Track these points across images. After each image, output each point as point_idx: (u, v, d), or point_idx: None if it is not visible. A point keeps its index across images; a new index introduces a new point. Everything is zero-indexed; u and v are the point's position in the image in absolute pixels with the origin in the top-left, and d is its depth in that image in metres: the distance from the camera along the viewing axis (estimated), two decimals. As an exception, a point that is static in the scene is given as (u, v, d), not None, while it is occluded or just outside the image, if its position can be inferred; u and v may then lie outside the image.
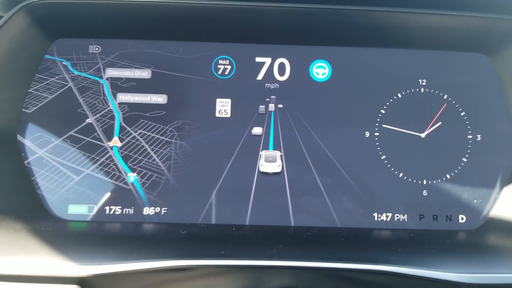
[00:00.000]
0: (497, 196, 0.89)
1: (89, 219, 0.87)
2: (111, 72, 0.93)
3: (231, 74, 0.93)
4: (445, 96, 0.92)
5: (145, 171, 0.89)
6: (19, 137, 0.88)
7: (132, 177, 0.89)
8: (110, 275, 0.65)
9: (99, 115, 0.91)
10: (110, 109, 0.91)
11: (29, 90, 0.90)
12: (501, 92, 0.92)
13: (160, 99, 0.92)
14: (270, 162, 0.90)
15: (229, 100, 0.92)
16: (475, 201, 0.89)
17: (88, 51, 0.93)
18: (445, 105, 0.92)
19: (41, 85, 0.91)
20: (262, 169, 0.90)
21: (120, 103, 0.92)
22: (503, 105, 0.91)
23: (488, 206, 0.89)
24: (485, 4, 0.83)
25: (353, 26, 0.89)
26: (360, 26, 0.89)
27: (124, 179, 0.89)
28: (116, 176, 0.89)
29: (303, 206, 0.88)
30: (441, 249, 0.77)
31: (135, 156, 0.90)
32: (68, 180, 0.88)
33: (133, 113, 0.91)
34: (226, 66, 0.94)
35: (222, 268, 0.68)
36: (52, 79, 0.91)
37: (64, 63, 0.92)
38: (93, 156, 0.89)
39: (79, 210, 0.87)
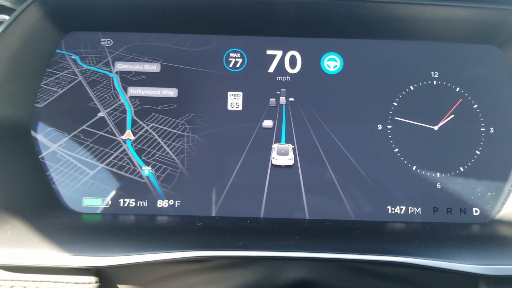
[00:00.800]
0: (510, 188, 0.89)
1: (104, 211, 0.88)
2: (121, 66, 0.93)
3: (243, 67, 0.94)
4: (458, 89, 0.93)
5: (159, 164, 0.90)
6: (32, 132, 0.89)
7: (146, 170, 0.89)
8: (128, 266, 0.66)
9: (110, 109, 0.91)
10: (121, 102, 0.92)
11: (41, 85, 0.90)
12: (513, 84, 0.92)
13: (170, 92, 0.92)
14: (282, 155, 0.91)
15: (240, 93, 0.93)
16: (489, 194, 0.90)
17: (98, 44, 0.94)
18: (460, 100, 0.92)
19: (50, 79, 0.91)
20: (274, 162, 0.90)
21: (131, 97, 0.92)
22: (516, 97, 0.92)
23: (501, 198, 0.89)
24: (498, -5, 0.83)
25: (364, 18, 0.89)
26: (372, 18, 0.89)
27: (139, 172, 0.89)
28: (131, 169, 0.89)
29: (317, 200, 0.89)
30: (458, 241, 0.77)
31: (149, 149, 0.90)
32: (83, 175, 0.88)
33: (144, 106, 0.92)
34: (237, 59, 0.94)
35: (239, 259, 0.68)
36: (61, 73, 0.92)
37: (72, 57, 0.93)
38: (106, 150, 0.90)
39: (94, 203, 0.88)
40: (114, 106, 0.91)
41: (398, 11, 0.87)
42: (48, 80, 0.91)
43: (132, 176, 0.89)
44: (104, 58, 0.93)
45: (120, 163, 0.89)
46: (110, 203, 0.88)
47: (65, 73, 0.92)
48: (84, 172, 0.88)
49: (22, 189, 0.82)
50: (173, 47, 0.94)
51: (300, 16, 0.90)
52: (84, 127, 0.90)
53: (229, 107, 0.93)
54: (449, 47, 0.94)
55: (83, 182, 0.88)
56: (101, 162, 0.89)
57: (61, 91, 0.91)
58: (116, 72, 0.93)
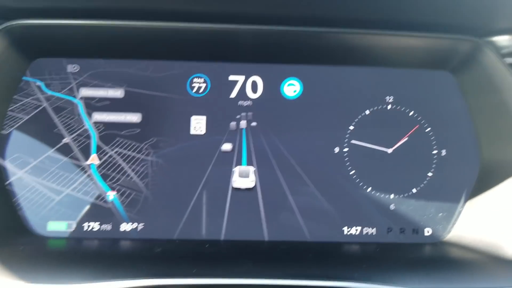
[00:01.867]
0: (461, 209, 0.95)
1: (68, 235, 0.92)
2: (85, 92, 0.97)
3: (206, 92, 0.98)
4: (412, 113, 0.98)
5: (124, 189, 0.93)
6: (-3, 159, 0.92)
7: (111, 195, 0.93)
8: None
9: (75, 134, 0.95)
10: (86, 128, 0.95)
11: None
12: (465, 109, 0.98)
13: (134, 117, 0.96)
14: (243, 177, 0.95)
15: (204, 117, 0.97)
16: (440, 214, 0.95)
17: (63, 71, 0.97)
18: (417, 126, 0.97)
19: (16, 105, 0.94)
20: (234, 184, 0.95)
21: (95, 122, 0.96)
22: (467, 121, 0.97)
23: (452, 219, 0.95)
24: (449, 25, 0.88)
25: (323, 46, 0.94)
26: (330, 46, 0.94)
27: (103, 198, 0.93)
28: (96, 195, 0.93)
29: (275, 221, 0.93)
30: (406, 263, 0.83)
31: (113, 174, 0.94)
32: (48, 201, 0.92)
33: (108, 131, 0.96)
34: (201, 84, 0.98)
35: (192, 287, 0.72)
36: (26, 100, 0.95)
37: (37, 83, 0.96)
38: (72, 175, 0.93)
39: (58, 227, 0.92)
40: (78, 132, 0.95)
41: (354, 40, 0.92)
42: (13, 107, 0.94)
43: (97, 202, 0.93)
44: (68, 84, 0.96)
45: (85, 188, 0.93)
46: (74, 226, 0.92)
47: (30, 99, 0.95)
48: (49, 198, 0.92)
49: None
50: (136, 72, 0.98)
51: (260, 43, 0.94)
52: (49, 153, 0.93)
53: (192, 131, 0.96)
54: (403, 73, 0.99)
55: (49, 208, 0.92)
56: (67, 188, 0.92)
57: (26, 118, 0.94)
58: (81, 98, 0.96)
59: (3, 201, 0.90)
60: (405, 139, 0.97)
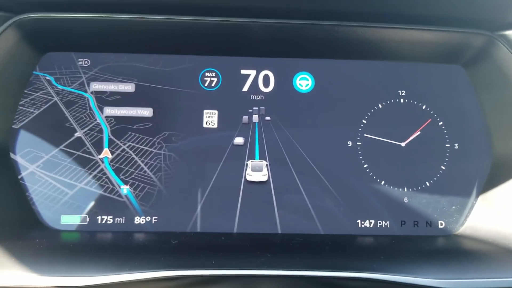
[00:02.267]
0: (474, 202, 0.96)
1: (82, 228, 0.92)
2: (96, 86, 0.97)
3: (218, 86, 0.98)
4: (424, 107, 0.99)
5: (137, 183, 0.93)
6: (10, 153, 0.92)
7: (125, 189, 0.93)
8: (103, 286, 0.69)
9: (87, 129, 0.95)
10: (98, 122, 0.95)
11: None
12: (477, 102, 0.98)
13: (146, 112, 0.96)
14: (256, 171, 0.95)
15: (215, 111, 0.97)
16: (453, 207, 0.96)
17: (73, 65, 0.97)
18: (429, 120, 0.98)
19: (26, 100, 0.94)
20: (249, 178, 0.95)
21: (106, 117, 0.96)
22: (479, 114, 0.98)
23: (465, 212, 0.96)
24: (461, 20, 0.89)
25: (335, 40, 0.94)
26: (342, 40, 0.94)
27: (117, 191, 0.93)
28: (110, 189, 0.93)
29: (288, 215, 0.94)
30: (422, 255, 0.83)
31: (126, 168, 0.94)
32: (62, 195, 0.92)
33: (120, 126, 0.96)
34: (212, 78, 0.98)
35: (212, 277, 0.72)
36: (37, 94, 0.95)
37: (47, 77, 0.96)
38: (85, 170, 0.93)
39: (72, 220, 0.92)
40: (90, 126, 0.95)
41: (366, 34, 0.93)
42: (24, 101, 0.94)
43: (111, 195, 0.93)
44: (78, 78, 0.97)
45: (99, 182, 0.93)
46: (88, 220, 0.92)
47: (40, 94, 0.95)
48: (63, 192, 0.92)
49: (1, 209, 0.85)
50: (147, 67, 0.98)
51: (272, 38, 0.94)
52: (61, 147, 0.93)
53: (204, 125, 0.97)
54: (415, 67, 1.00)
55: (62, 202, 0.92)
56: (80, 182, 0.92)
57: (37, 112, 0.94)
58: (92, 92, 0.96)
59: (16, 195, 0.90)
60: (418, 132, 0.97)
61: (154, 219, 0.93)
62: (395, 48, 0.97)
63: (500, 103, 0.95)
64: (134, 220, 0.93)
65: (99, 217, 0.92)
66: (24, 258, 0.75)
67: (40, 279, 0.70)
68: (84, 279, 0.70)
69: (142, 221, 0.93)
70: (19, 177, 0.91)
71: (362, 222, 0.95)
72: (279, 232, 0.93)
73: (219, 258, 0.77)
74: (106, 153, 0.94)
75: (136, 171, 0.94)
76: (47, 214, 0.91)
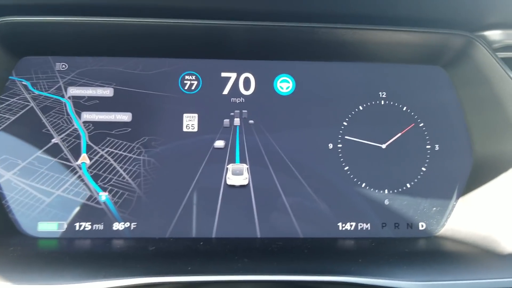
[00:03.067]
0: (454, 203, 0.97)
1: (59, 236, 0.91)
2: (73, 91, 0.97)
3: (198, 89, 0.98)
4: (405, 108, 0.99)
5: (116, 189, 0.93)
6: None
7: (103, 196, 0.93)
8: (78, 294, 0.69)
9: (64, 134, 0.94)
10: (75, 128, 0.95)
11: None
12: (457, 103, 1.00)
13: (124, 117, 0.96)
14: (237, 175, 0.95)
15: (196, 115, 0.98)
16: (434, 209, 0.97)
17: (50, 70, 0.97)
18: (412, 124, 0.99)
19: (2, 105, 0.94)
20: (229, 182, 0.95)
21: (84, 122, 0.96)
22: (459, 115, 0.99)
23: (446, 213, 0.97)
24: (441, 21, 0.90)
25: (315, 42, 0.95)
26: (322, 42, 0.95)
27: (95, 198, 0.93)
28: (88, 196, 0.93)
29: (268, 218, 0.94)
30: (401, 257, 0.84)
31: (105, 174, 0.94)
32: (39, 203, 0.91)
33: (98, 131, 0.96)
34: (192, 82, 0.99)
35: (189, 284, 0.72)
36: (13, 99, 0.94)
37: (23, 82, 0.96)
38: (62, 176, 0.93)
39: (49, 227, 0.91)
40: (68, 132, 0.95)
41: (345, 36, 0.93)
42: (-1, 107, 0.93)
43: (89, 203, 0.93)
44: (56, 83, 0.96)
45: (76, 189, 0.93)
46: (65, 227, 0.92)
47: (16, 99, 0.94)
48: (40, 200, 0.92)
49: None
50: (126, 70, 0.98)
51: (252, 40, 0.95)
52: (38, 154, 0.93)
53: (184, 129, 0.97)
54: (396, 68, 1.01)
55: (39, 209, 0.91)
56: (57, 189, 0.92)
57: (13, 118, 0.94)
58: (69, 97, 0.96)
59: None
60: (398, 134, 0.98)
61: (133, 225, 0.93)
62: (375, 50, 0.97)
63: (480, 104, 0.96)
64: (112, 226, 0.93)
65: (76, 224, 0.92)
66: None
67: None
68: (59, 287, 0.70)
69: (121, 227, 0.93)
70: (-5, 185, 0.91)
71: (343, 225, 0.95)
72: (259, 236, 0.94)
73: (196, 263, 0.77)
74: (84, 158, 0.94)
75: (115, 178, 0.94)
76: (23, 222, 0.91)
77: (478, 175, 0.96)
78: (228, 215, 0.94)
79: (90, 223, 0.92)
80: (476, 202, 0.95)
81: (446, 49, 0.96)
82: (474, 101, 0.98)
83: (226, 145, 0.97)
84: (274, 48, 0.97)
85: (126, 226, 0.93)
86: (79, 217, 0.92)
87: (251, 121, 0.98)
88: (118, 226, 0.93)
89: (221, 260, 0.80)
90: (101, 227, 0.92)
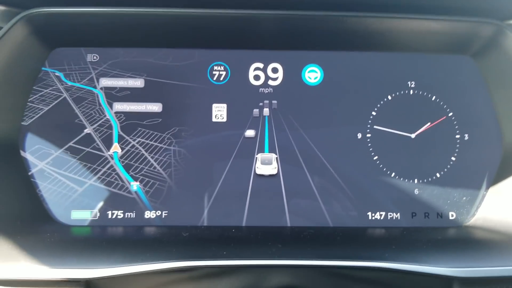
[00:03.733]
0: (484, 193, 0.97)
1: (92, 223, 0.94)
2: (105, 82, 0.99)
3: (226, 80, 1.00)
4: (434, 98, 1.00)
5: (147, 179, 0.95)
6: (20, 150, 0.94)
7: (135, 185, 0.95)
8: (117, 277, 0.71)
9: (96, 125, 0.96)
10: (107, 118, 0.97)
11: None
12: (486, 93, 1.00)
13: (155, 107, 0.98)
14: (266, 164, 0.96)
15: (225, 105, 0.99)
16: (464, 198, 0.97)
17: (82, 61, 0.99)
18: (444, 117, 0.99)
19: (35, 96, 0.96)
20: (258, 171, 0.96)
21: (116, 112, 0.98)
22: (489, 105, 0.99)
23: (476, 203, 0.97)
24: (470, 8, 0.90)
25: (343, 31, 0.96)
26: (350, 31, 0.96)
27: (127, 188, 0.95)
28: (119, 185, 0.95)
29: (298, 208, 0.95)
30: (434, 245, 0.84)
31: (136, 164, 0.96)
32: (71, 192, 0.94)
33: (130, 121, 0.97)
34: (221, 72, 1.00)
35: (224, 268, 0.74)
36: (46, 90, 0.97)
37: (56, 74, 0.98)
38: (94, 166, 0.95)
39: (82, 215, 0.94)
40: (100, 122, 0.96)
41: (373, 25, 0.94)
42: (33, 98, 0.96)
43: (121, 192, 0.94)
44: (88, 74, 0.98)
45: (108, 179, 0.95)
46: (98, 215, 0.94)
47: (50, 90, 0.97)
48: (73, 189, 0.94)
49: (11, 205, 0.88)
50: (156, 62, 0.99)
51: (280, 30, 0.96)
52: (70, 144, 0.95)
53: (213, 119, 0.98)
54: (424, 58, 1.01)
55: (72, 199, 0.94)
56: (89, 179, 0.94)
57: (46, 108, 0.96)
58: (101, 88, 0.98)
59: (26, 191, 0.92)
60: (429, 125, 0.98)
61: (165, 213, 0.94)
62: (403, 39, 0.98)
63: (510, 94, 0.96)
64: (144, 214, 0.94)
65: (109, 212, 0.94)
66: (35, 252, 0.77)
67: (51, 271, 0.72)
68: (96, 271, 0.72)
69: (153, 215, 0.94)
70: (29, 173, 0.93)
71: (373, 215, 0.96)
72: (289, 225, 0.94)
73: (231, 249, 0.79)
74: (116, 148, 0.96)
75: (146, 167, 0.95)
76: (57, 210, 0.93)
77: (507, 165, 0.97)
78: (258, 204, 0.95)
79: (122, 211, 0.94)
80: (506, 192, 0.95)
81: (475, 38, 0.96)
82: (503, 91, 0.98)
83: (256, 134, 0.98)
84: (302, 38, 0.98)
85: (158, 214, 0.94)
86: (111, 206, 0.94)
87: (275, 111, 0.99)
88: (149, 214, 0.94)
89: (255, 246, 0.82)
90: (133, 215, 0.94)
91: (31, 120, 0.95)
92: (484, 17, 0.92)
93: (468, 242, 0.89)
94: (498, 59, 0.96)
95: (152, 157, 0.96)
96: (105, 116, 0.97)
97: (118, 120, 0.97)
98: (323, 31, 0.96)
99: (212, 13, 0.90)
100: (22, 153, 0.94)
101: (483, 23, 0.92)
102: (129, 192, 0.95)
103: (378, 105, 1.00)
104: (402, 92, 1.00)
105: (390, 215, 0.96)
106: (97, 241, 0.84)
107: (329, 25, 0.94)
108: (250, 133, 0.98)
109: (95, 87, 0.98)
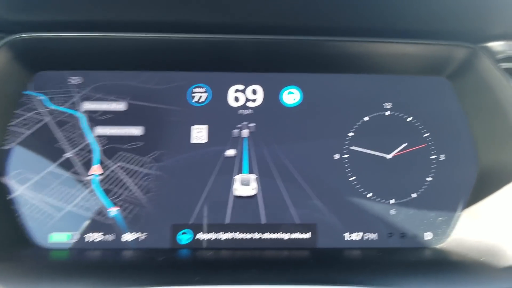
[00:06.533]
0: (460, 213, 0.99)
1: (70, 247, 0.95)
2: (88, 105, 1.00)
3: (207, 101, 1.01)
4: (410, 119, 1.02)
5: (126, 204, 0.97)
6: (-1, 174, 0.95)
7: (114, 211, 0.96)
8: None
9: (77, 149, 0.98)
10: (88, 142, 0.98)
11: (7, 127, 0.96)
12: (462, 114, 1.02)
13: (136, 131, 0.99)
14: (245, 185, 0.98)
15: (205, 126, 1.01)
16: (440, 219, 0.99)
17: (65, 84, 1.00)
18: (424, 145, 1.02)
19: (17, 120, 0.97)
20: (235, 193, 0.98)
21: (98, 136, 0.99)
22: (465, 126, 1.02)
23: (452, 223, 0.99)
24: (444, 32, 0.92)
25: (321, 55, 0.98)
26: (328, 54, 0.98)
27: (106, 213, 0.97)
28: (98, 211, 0.96)
29: (276, 228, 0.96)
30: (407, 267, 0.87)
31: (116, 189, 0.97)
32: (49, 218, 0.95)
33: (111, 145, 0.99)
34: (202, 94, 1.01)
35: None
36: (28, 114, 0.98)
37: (40, 97, 0.99)
38: (74, 191, 0.96)
39: (60, 238, 0.95)
40: (81, 146, 0.98)
41: (351, 48, 0.96)
42: (15, 122, 0.97)
43: (100, 217, 0.96)
44: (71, 97, 1.00)
45: (87, 204, 0.96)
46: (76, 238, 0.95)
47: (32, 114, 0.98)
48: (51, 215, 0.95)
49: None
50: (139, 85, 1.01)
51: (260, 53, 0.98)
52: (51, 168, 0.96)
53: (193, 141, 1.00)
54: (401, 79, 1.03)
55: (51, 223, 0.95)
56: (68, 204, 0.96)
57: (27, 132, 0.97)
58: (84, 112, 0.99)
59: (5, 215, 0.93)
60: (404, 144, 1.00)
61: (143, 236, 0.96)
62: (380, 62, 1.00)
63: (485, 114, 0.99)
64: (121, 238, 0.96)
65: (86, 236, 0.95)
66: (12, 278, 0.78)
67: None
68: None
69: (130, 238, 0.96)
70: (8, 198, 0.94)
71: (350, 235, 0.97)
72: (266, 246, 0.96)
73: (205, 273, 0.80)
74: (95, 170, 0.96)
75: (126, 192, 0.97)
76: (35, 234, 0.94)
77: (483, 185, 0.99)
78: (236, 226, 0.97)
79: (100, 233, 0.95)
80: (481, 213, 0.97)
81: (450, 60, 0.99)
82: (478, 112, 1.00)
83: (236, 154, 0.99)
84: (281, 60, 1.00)
85: (135, 237, 0.96)
86: (90, 229, 0.96)
87: (254, 132, 1.01)
88: (127, 237, 0.96)
89: (230, 270, 0.83)
90: (110, 238, 0.95)
91: (12, 144, 0.96)
92: (459, 40, 0.94)
93: (442, 263, 0.91)
94: (473, 80, 0.98)
95: (132, 182, 0.97)
96: (86, 140, 0.98)
97: (100, 144, 0.98)
98: (301, 54, 0.98)
99: (193, 37, 0.92)
100: (1, 178, 0.95)
101: (457, 46, 0.95)
102: (108, 217, 0.96)
103: (355, 126, 1.02)
104: (378, 113, 1.02)
105: (367, 235, 0.98)
106: (74, 265, 0.86)
107: (307, 49, 0.96)
108: (230, 152, 1.00)
109: (78, 110, 0.99)
